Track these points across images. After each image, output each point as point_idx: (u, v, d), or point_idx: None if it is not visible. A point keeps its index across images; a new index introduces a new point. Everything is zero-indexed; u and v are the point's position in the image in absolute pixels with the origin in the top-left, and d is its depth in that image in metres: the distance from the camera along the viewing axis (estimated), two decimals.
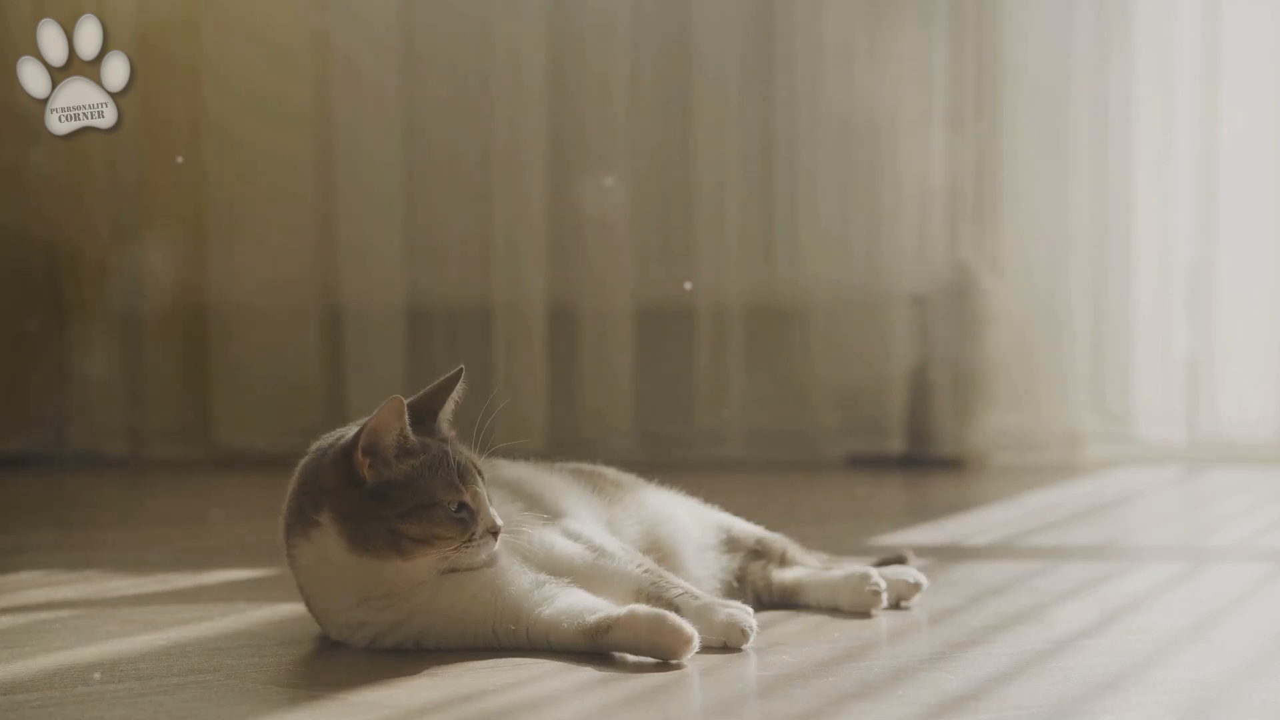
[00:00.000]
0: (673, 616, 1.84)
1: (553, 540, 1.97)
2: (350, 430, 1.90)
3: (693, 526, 2.21)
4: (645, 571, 1.96)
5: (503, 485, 2.06)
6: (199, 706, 1.68)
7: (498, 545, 1.89)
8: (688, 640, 1.82)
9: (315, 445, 1.94)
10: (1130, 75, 4.30)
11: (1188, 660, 1.91)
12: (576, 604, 1.89)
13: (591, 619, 1.86)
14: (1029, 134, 4.32)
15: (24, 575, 2.55)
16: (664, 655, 1.83)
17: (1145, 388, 4.31)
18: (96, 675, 1.80)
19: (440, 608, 1.89)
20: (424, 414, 1.94)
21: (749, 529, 2.27)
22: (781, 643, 1.96)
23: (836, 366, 4.32)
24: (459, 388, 1.97)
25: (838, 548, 2.39)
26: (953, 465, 4.25)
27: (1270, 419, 4.29)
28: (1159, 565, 2.68)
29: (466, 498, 1.88)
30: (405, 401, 1.89)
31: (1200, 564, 2.69)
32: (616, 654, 1.85)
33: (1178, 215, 4.31)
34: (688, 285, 4.33)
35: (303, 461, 1.93)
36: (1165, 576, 2.54)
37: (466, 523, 1.87)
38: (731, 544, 2.23)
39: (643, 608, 1.87)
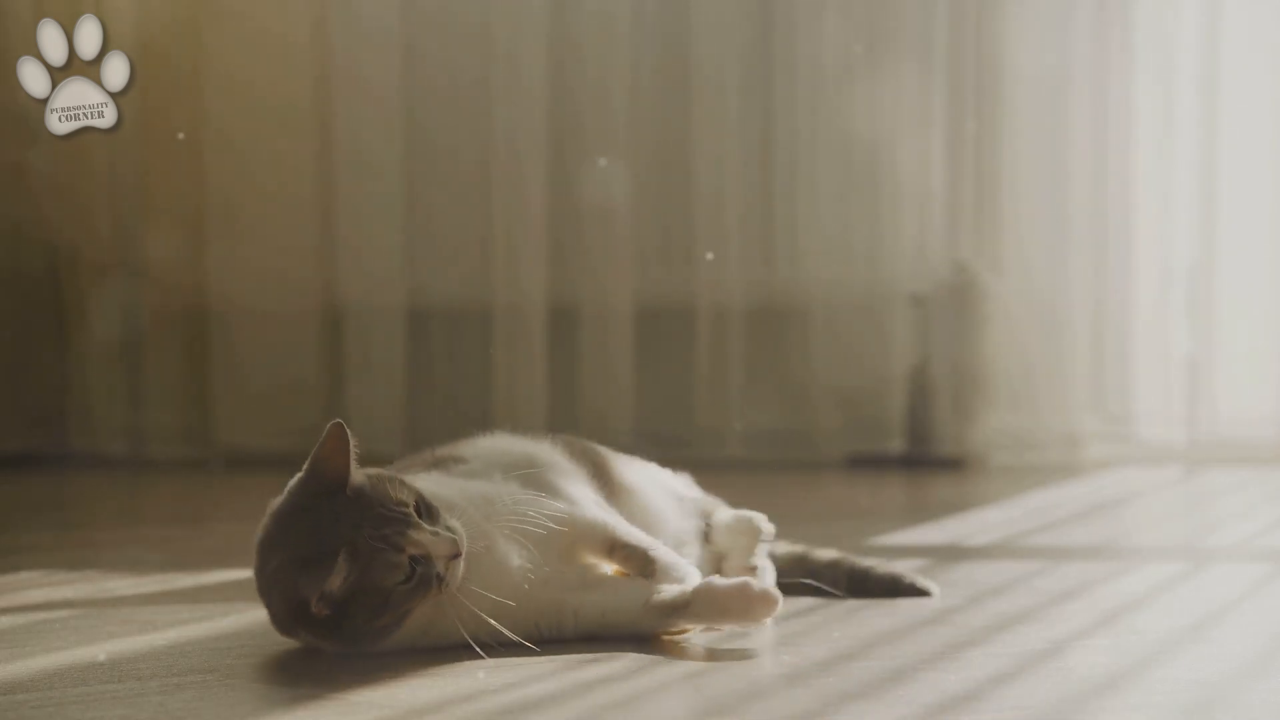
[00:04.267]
0: (754, 582, 1.90)
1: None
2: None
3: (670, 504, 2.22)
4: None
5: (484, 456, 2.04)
6: (199, 706, 1.67)
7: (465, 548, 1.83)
8: (773, 602, 1.89)
9: (275, 503, 1.85)
10: (1130, 75, 4.30)
11: (1188, 660, 1.91)
12: (633, 582, 1.92)
13: (665, 595, 1.90)
14: (1029, 134, 4.32)
15: (24, 575, 2.54)
16: (750, 620, 1.90)
17: (1145, 388, 4.31)
18: (101, 657, 1.80)
19: (462, 614, 1.85)
20: (335, 485, 1.81)
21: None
22: (781, 642, 1.96)
23: (836, 366, 4.32)
24: (350, 439, 1.81)
25: (838, 548, 2.39)
26: (953, 465, 4.25)
27: (1270, 419, 4.29)
28: (1159, 565, 2.68)
29: (412, 552, 1.79)
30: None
31: (1200, 564, 2.69)
32: (663, 640, 1.89)
33: (1178, 216, 4.31)
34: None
35: (270, 517, 1.84)
36: (1165, 576, 2.54)
37: (428, 579, 1.79)
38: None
39: (719, 579, 1.91)
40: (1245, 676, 1.82)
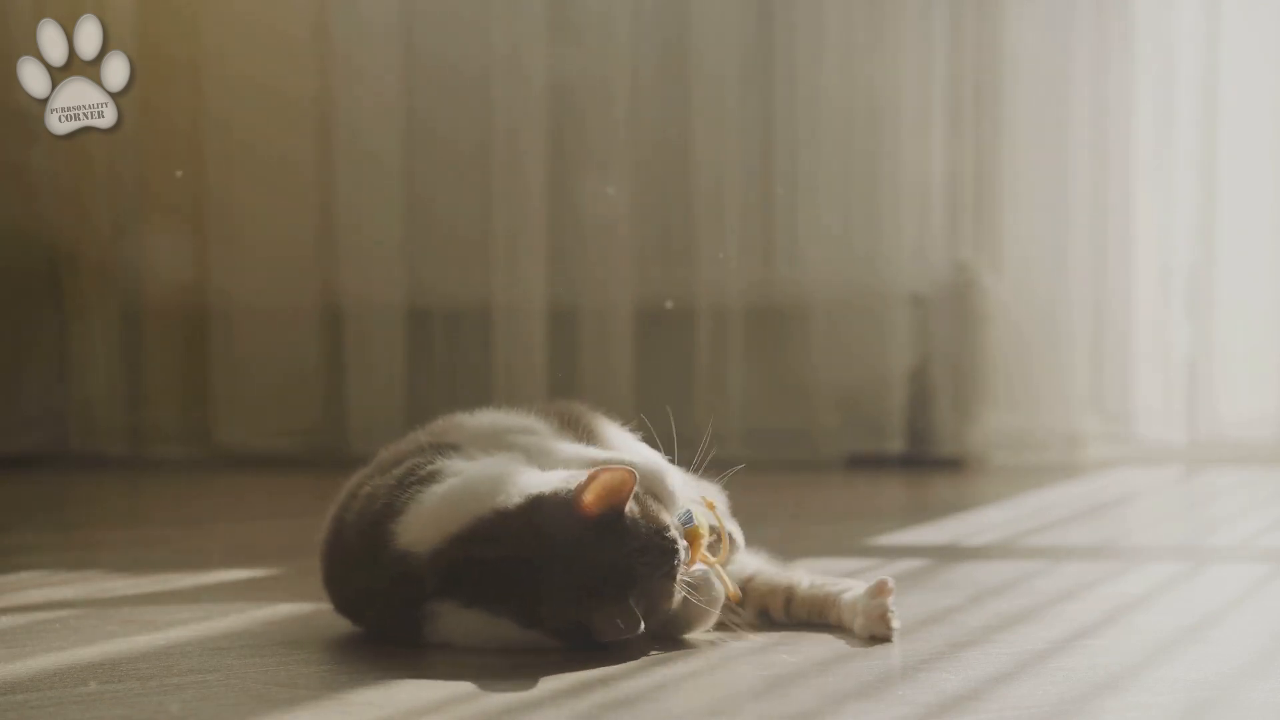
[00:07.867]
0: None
1: None
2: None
3: None
4: None
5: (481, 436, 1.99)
6: (199, 706, 1.67)
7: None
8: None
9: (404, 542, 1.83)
10: (1130, 75, 4.30)
11: (1188, 660, 1.91)
12: None
13: None
14: (1029, 133, 4.31)
15: (24, 575, 2.54)
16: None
17: (1145, 388, 4.31)
18: (92, 683, 1.80)
19: None
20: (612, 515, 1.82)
21: None
22: (781, 642, 1.96)
23: (836, 366, 4.32)
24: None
25: (838, 548, 2.39)
26: (953, 465, 4.25)
27: (1270, 419, 4.29)
28: (1159, 565, 2.68)
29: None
30: None
31: (1200, 564, 2.69)
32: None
33: (1177, 215, 4.31)
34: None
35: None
36: (1165, 576, 2.54)
37: None
38: None
39: None
40: (1245, 676, 1.82)
